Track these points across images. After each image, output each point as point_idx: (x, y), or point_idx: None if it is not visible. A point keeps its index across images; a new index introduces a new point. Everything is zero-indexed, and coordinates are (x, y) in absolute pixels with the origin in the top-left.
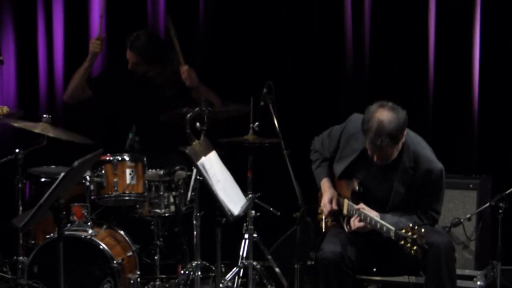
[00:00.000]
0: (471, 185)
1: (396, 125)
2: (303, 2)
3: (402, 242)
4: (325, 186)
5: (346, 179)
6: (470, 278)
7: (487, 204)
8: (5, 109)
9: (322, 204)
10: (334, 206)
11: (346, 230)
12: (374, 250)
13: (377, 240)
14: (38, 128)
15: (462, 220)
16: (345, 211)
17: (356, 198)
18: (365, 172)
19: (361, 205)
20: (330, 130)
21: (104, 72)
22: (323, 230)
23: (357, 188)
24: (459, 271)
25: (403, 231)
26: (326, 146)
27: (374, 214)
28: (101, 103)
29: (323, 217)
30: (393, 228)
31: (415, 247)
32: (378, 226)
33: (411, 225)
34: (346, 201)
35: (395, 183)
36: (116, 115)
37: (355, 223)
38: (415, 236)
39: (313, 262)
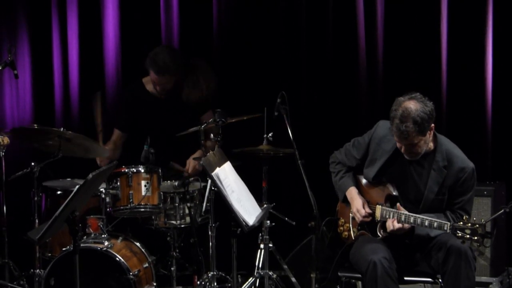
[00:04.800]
0: (485, 192)
1: (422, 113)
2: (316, 12)
3: (460, 234)
4: (353, 193)
5: (377, 185)
6: (486, 284)
7: (502, 211)
8: (6, 140)
9: (354, 210)
10: (368, 210)
11: (380, 236)
12: (398, 252)
13: (405, 244)
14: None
15: None
16: (378, 217)
17: (393, 201)
18: (399, 172)
19: (400, 207)
20: (353, 141)
21: (123, 104)
22: (353, 238)
23: (394, 192)
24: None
25: (461, 223)
26: (352, 154)
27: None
28: (131, 129)
29: (350, 227)
30: (448, 222)
31: (476, 237)
32: (427, 223)
33: (466, 217)
34: (378, 207)
35: (429, 182)
36: (131, 128)
37: (394, 225)
38: (476, 226)
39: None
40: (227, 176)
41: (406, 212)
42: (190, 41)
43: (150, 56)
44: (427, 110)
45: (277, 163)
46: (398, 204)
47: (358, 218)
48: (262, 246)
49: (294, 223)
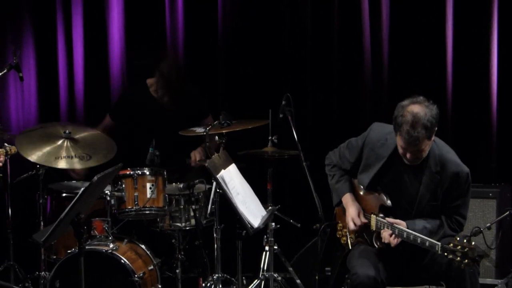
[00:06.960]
0: (490, 194)
1: (431, 117)
2: (321, 13)
3: (451, 256)
4: (349, 200)
5: (372, 193)
6: (491, 287)
7: (507, 213)
8: (13, 149)
9: (349, 218)
10: (363, 219)
11: (376, 246)
12: (398, 261)
13: (403, 251)
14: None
15: (482, 229)
16: (373, 227)
17: (386, 212)
18: (392, 179)
19: (393, 220)
20: (347, 142)
21: (122, 97)
22: (350, 247)
23: (386, 203)
24: (480, 280)
25: (451, 245)
26: (346, 157)
27: (403, 225)
28: (123, 123)
29: (347, 233)
30: (438, 243)
31: (466, 261)
32: (419, 241)
33: (458, 238)
34: (373, 217)
35: (421, 188)
36: (136, 130)
37: (390, 239)
38: (466, 250)
39: (328, 274)
40: (232, 178)
41: (400, 227)
42: (195, 42)
43: (157, 64)
44: (434, 114)
45: (282, 165)
46: (392, 218)
47: (352, 227)
48: (267, 248)
49: (299, 225)
